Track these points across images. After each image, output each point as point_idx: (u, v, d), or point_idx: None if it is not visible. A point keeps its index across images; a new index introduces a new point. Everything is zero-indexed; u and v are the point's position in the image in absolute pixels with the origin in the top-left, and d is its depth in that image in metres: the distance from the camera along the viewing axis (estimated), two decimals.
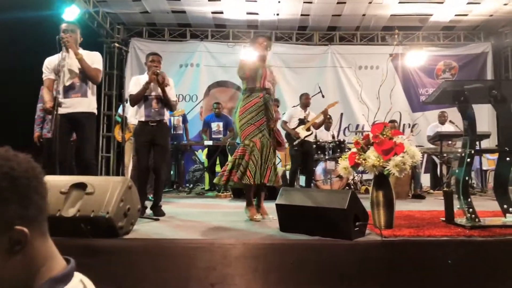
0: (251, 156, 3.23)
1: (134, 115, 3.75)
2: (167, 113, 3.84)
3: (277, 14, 8.21)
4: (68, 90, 3.42)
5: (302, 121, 5.66)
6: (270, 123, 3.38)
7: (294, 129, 5.58)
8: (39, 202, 0.77)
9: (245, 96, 3.41)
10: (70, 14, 6.23)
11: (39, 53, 3.47)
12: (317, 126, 5.79)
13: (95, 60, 3.54)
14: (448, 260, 2.16)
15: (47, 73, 3.48)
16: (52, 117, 3.32)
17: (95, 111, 3.64)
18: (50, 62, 3.48)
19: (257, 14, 8.25)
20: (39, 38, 4.18)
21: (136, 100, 3.66)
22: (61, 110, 3.38)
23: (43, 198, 0.79)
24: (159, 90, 3.66)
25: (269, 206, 4.00)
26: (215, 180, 3.62)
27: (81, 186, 2.40)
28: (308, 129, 5.62)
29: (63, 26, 3.54)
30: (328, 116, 7.35)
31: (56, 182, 2.45)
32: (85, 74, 3.45)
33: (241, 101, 3.43)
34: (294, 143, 5.48)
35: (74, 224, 2.28)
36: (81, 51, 3.53)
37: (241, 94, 3.56)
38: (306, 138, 5.55)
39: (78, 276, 0.82)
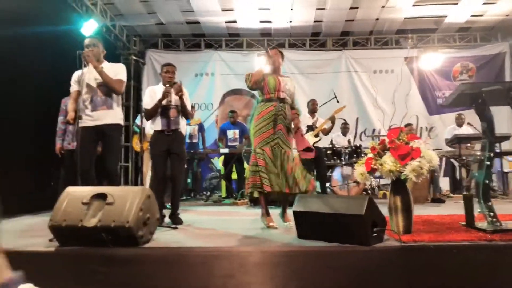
0: (265, 163, 3.24)
1: (151, 125, 3.82)
2: (183, 122, 3.89)
3: (290, 22, 8.26)
4: (94, 104, 3.51)
5: (310, 128, 5.65)
6: (278, 132, 3.35)
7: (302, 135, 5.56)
8: None
9: (260, 105, 3.46)
10: (88, 28, 6.42)
11: (59, 67, 3.57)
12: (326, 132, 5.75)
13: (118, 71, 3.62)
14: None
15: (73, 85, 3.57)
16: (74, 129, 3.41)
17: (122, 122, 3.71)
18: (76, 75, 3.56)
19: (270, 22, 8.32)
20: (59, 52, 4.30)
21: (150, 115, 3.74)
22: (88, 123, 3.48)
23: None
24: (176, 99, 3.72)
25: (287, 213, 4.02)
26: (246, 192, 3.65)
27: (102, 196, 2.46)
28: (316, 135, 5.60)
29: (86, 41, 3.64)
30: (344, 121, 7.35)
31: (78, 193, 2.52)
32: (107, 86, 3.54)
33: (255, 111, 3.48)
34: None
35: (95, 234, 2.34)
36: (105, 64, 3.63)
37: (255, 102, 3.60)
38: (315, 144, 5.54)
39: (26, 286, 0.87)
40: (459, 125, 6.92)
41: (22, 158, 4.77)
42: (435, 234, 2.54)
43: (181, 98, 3.70)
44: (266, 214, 3.37)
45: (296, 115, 3.61)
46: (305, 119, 5.69)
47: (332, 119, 5.64)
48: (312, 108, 5.82)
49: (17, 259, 2.30)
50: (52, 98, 4.98)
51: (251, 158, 3.36)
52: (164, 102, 3.68)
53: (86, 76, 3.45)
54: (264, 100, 3.44)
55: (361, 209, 2.31)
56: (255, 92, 3.72)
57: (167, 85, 3.70)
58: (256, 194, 3.32)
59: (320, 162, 5.65)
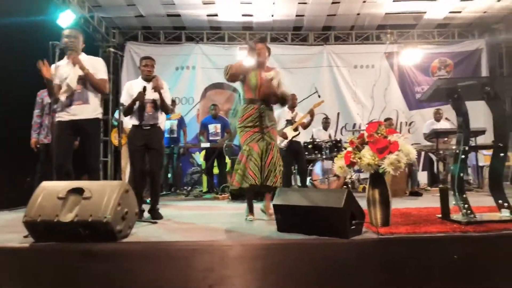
0: (247, 160, 3.29)
1: (129, 119, 3.76)
2: (161, 117, 3.85)
3: (272, 16, 8.24)
4: (70, 99, 3.42)
5: (289, 122, 5.66)
6: (265, 130, 3.39)
7: (281, 130, 5.59)
8: None
9: (243, 106, 3.48)
10: (65, 19, 6.23)
11: (34, 59, 3.46)
12: (304, 126, 5.78)
13: (98, 68, 3.55)
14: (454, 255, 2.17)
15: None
16: (50, 122, 3.33)
17: (100, 116, 3.63)
18: (53, 68, 3.42)
19: (252, 16, 8.28)
20: (33, 44, 4.17)
21: (127, 112, 3.70)
22: (65, 117, 3.40)
23: None
24: (154, 94, 3.67)
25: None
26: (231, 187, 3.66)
27: (79, 191, 2.41)
28: (295, 130, 5.63)
29: (66, 32, 3.53)
30: (326, 116, 7.40)
31: (53, 187, 2.46)
32: (94, 88, 3.48)
33: (240, 111, 3.51)
34: (282, 144, 5.48)
35: (72, 229, 2.29)
36: (83, 56, 3.54)
37: (237, 97, 3.60)
38: (294, 138, 5.57)
39: None
40: (437, 119, 7.07)
41: None
42: (411, 226, 2.59)
43: (159, 93, 3.65)
44: (249, 208, 3.47)
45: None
46: (284, 114, 5.70)
47: (311, 113, 5.65)
48: (292, 103, 5.83)
49: None
50: (26, 91, 4.84)
51: (238, 156, 3.40)
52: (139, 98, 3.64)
53: (68, 76, 3.37)
54: (247, 101, 3.46)
55: (340, 202, 2.34)
56: (238, 86, 3.69)
57: (144, 87, 3.63)
58: (236, 186, 3.34)
59: (300, 157, 5.68)
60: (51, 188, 2.45)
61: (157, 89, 3.63)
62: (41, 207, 2.35)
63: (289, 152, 5.50)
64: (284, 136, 5.50)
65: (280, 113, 5.74)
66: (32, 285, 2.20)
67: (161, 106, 3.73)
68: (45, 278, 2.20)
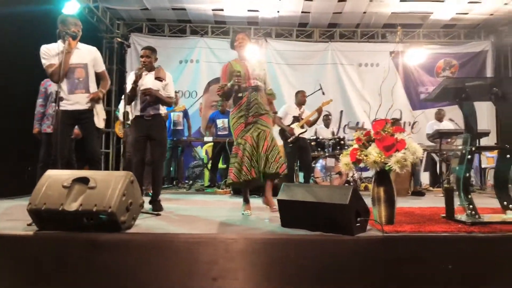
0: (244, 153, 3.28)
1: (133, 110, 3.76)
2: (162, 107, 3.83)
3: (278, 12, 8.20)
4: (71, 86, 3.41)
5: (296, 119, 5.66)
6: (257, 118, 3.39)
7: (288, 125, 5.59)
8: None
9: (233, 96, 3.49)
10: (70, 8, 6.22)
11: (38, 48, 3.44)
12: (310, 124, 5.79)
13: (99, 60, 3.58)
14: (449, 266, 2.17)
15: (50, 59, 3.40)
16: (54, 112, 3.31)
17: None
18: (53, 49, 3.41)
19: (257, 11, 8.24)
20: (39, 33, 4.15)
21: (130, 99, 3.68)
22: (67, 107, 3.39)
23: None
24: (153, 84, 3.67)
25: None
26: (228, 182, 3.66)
27: (84, 180, 2.39)
28: (302, 127, 5.64)
29: (72, 20, 3.49)
30: (327, 113, 7.38)
31: (59, 176, 2.45)
32: (90, 72, 3.50)
33: (232, 103, 3.51)
34: (289, 140, 5.48)
35: (76, 218, 2.28)
36: (80, 45, 3.53)
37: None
38: (301, 135, 5.57)
39: None
40: (439, 120, 7.05)
41: None
42: (416, 225, 2.58)
43: (153, 94, 3.65)
44: (245, 201, 3.46)
45: (270, 100, 3.60)
46: (291, 110, 5.69)
47: (319, 111, 5.66)
48: (301, 100, 5.82)
49: None
50: (31, 80, 4.82)
51: (233, 149, 3.39)
52: (141, 88, 3.65)
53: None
54: (237, 91, 3.45)
55: (346, 199, 2.32)
56: None
57: (138, 68, 3.66)
58: (232, 181, 3.34)
59: (306, 152, 5.67)
60: (56, 177, 2.44)
61: (159, 79, 3.65)
62: (46, 195, 2.34)
63: (295, 148, 5.51)
64: (292, 132, 5.50)
65: (288, 109, 5.74)
66: (35, 273, 2.19)
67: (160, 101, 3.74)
68: (48, 266, 2.19)
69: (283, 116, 5.68)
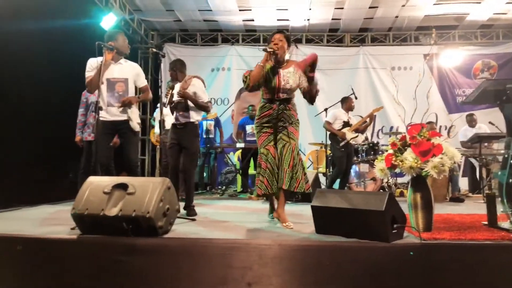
0: (267, 164, 3.12)
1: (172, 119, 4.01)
2: (194, 116, 3.93)
3: (308, 20, 8.21)
4: (111, 99, 3.55)
5: (346, 124, 5.64)
6: (282, 129, 3.19)
7: (339, 129, 5.57)
8: None
9: (260, 105, 3.32)
10: (108, 21, 6.49)
11: (79, 60, 3.63)
12: (360, 130, 5.77)
13: (141, 76, 3.76)
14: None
15: (91, 72, 3.55)
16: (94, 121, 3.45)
17: (138, 118, 3.77)
18: (95, 62, 3.52)
19: (287, 20, 8.29)
20: (79, 45, 4.36)
21: (170, 110, 4.02)
22: (107, 117, 3.52)
23: None
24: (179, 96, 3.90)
25: (304, 209, 4.03)
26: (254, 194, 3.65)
27: (123, 186, 2.49)
28: (353, 132, 5.63)
29: (113, 34, 3.67)
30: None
31: (100, 182, 2.56)
32: (130, 87, 3.65)
33: (258, 110, 3.35)
34: (341, 144, 5.47)
35: (116, 223, 2.37)
36: (123, 60, 3.68)
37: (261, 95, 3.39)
38: (352, 141, 5.57)
39: None
40: (471, 125, 6.81)
41: (41, 150, 4.86)
42: (456, 232, 2.50)
43: (183, 97, 3.83)
44: (271, 210, 3.43)
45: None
46: (341, 115, 5.69)
47: (370, 117, 5.70)
48: (349, 106, 5.78)
49: (40, 245, 2.37)
50: (72, 90, 5.05)
51: (258, 158, 3.24)
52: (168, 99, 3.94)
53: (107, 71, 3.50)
54: (265, 100, 3.28)
55: (381, 205, 2.29)
56: None
57: (172, 86, 4.01)
58: (256, 194, 3.20)
59: (350, 159, 5.64)
60: (97, 183, 2.55)
61: (180, 95, 3.83)
62: (88, 201, 2.45)
63: (344, 153, 5.49)
64: (344, 137, 5.49)
65: (337, 114, 5.73)
66: (78, 275, 2.29)
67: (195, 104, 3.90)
68: (90, 269, 2.28)
69: (332, 121, 5.66)
